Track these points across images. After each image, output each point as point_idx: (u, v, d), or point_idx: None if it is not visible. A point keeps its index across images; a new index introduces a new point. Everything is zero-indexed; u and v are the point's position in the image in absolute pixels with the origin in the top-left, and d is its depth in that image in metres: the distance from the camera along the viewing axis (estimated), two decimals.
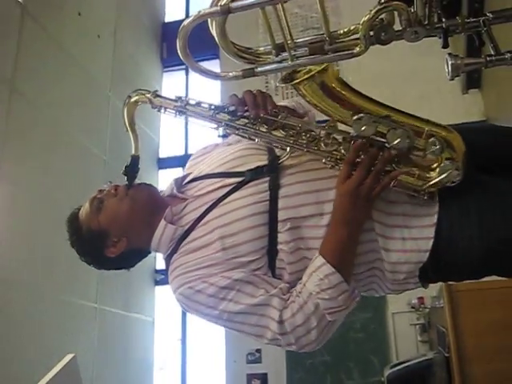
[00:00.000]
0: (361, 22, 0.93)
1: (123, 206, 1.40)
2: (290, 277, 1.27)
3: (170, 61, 6.06)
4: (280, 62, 1.00)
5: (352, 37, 0.98)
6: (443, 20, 0.90)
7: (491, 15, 0.90)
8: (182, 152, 5.78)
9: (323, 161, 1.20)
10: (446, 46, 0.90)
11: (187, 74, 6.04)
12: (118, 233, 1.40)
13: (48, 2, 4.14)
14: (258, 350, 4.68)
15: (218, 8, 0.89)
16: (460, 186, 1.17)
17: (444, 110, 4.94)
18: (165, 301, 5.25)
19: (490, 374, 2.83)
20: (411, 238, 1.22)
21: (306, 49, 0.99)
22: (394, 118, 1.12)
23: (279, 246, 1.25)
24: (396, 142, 1.10)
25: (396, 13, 0.93)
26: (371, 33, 0.94)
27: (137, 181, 1.43)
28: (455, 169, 1.12)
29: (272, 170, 1.28)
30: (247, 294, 1.23)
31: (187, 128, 5.86)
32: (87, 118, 4.47)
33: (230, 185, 1.31)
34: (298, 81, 1.07)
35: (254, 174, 1.30)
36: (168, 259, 1.38)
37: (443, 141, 1.10)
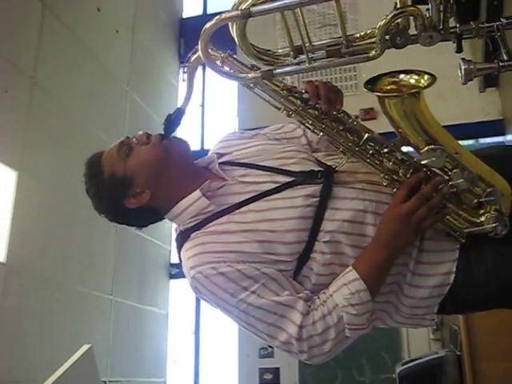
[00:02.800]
0: (377, 27, 0.95)
1: (156, 154, 1.30)
2: (313, 287, 1.24)
3: (187, 56, 6.07)
4: (298, 64, 1.03)
5: (368, 40, 1.01)
6: (457, 25, 0.93)
7: (505, 21, 0.92)
8: (198, 147, 5.82)
9: (381, 175, 1.18)
10: (459, 50, 0.93)
11: (204, 69, 6.07)
12: (143, 183, 1.30)
13: None
14: (271, 345, 4.69)
15: (239, 12, 0.92)
16: None
17: (460, 109, 4.92)
18: (179, 294, 5.31)
19: (501, 372, 2.84)
20: (435, 274, 1.23)
21: (324, 51, 1.02)
22: (463, 159, 1.14)
23: (313, 255, 1.22)
24: (459, 181, 1.12)
25: (411, 18, 0.96)
26: (387, 37, 0.96)
27: None
28: (504, 224, 1.14)
29: (327, 178, 1.26)
30: (271, 291, 1.18)
31: (203, 124, 5.90)
32: (105, 111, 4.53)
33: (279, 182, 1.27)
34: (385, 94, 1.09)
35: (308, 176, 1.26)
36: (186, 233, 1.30)
37: (500, 194, 1.13)
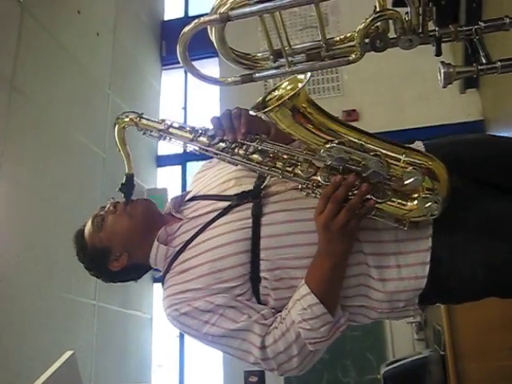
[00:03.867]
0: (356, 30, 0.95)
1: (121, 222, 1.44)
2: (276, 303, 1.27)
3: (169, 59, 6.07)
4: (278, 67, 1.02)
5: (348, 44, 1.00)
6: (436, 29, 0.93)
7: (483, 24, 0.93)
8: (180, 150, 5.79)
9: (299, 187, 1.17)
10: (438, 54, 0.93)
11: (186, 72, 6.05)
12: (118, 248, 1.44)
13: (47, 0, 4.16)
14: None
15: (218, 16, 0.91)
16: (460, 208, 1.16)
17: (442, 110, 4.97)
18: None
19: (484, 372, 2.87)
20: (406, 264, 1.20)
21: (304, 55, 1.01)
22: (368, 146, 1.08)
23: (262, 274, 1.25)
24: (369, 171, 1.07)
25: (391, 21, 0.96)
26: (366, 40, 0.96)
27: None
28: (434, 202, 1.07)
29: (255, 196, 1.28)
30: (229, 319, 1.25)
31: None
32: (86, 115, 4.49)
33: (219, 209, 1.32)
34: (268, 109, 1.05)
35: (240, 198, 1.30)
36: (163, 277, 1.41)
37: (422, 171, 1.06)
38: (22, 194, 3.57)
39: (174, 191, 5.41)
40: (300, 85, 1.07)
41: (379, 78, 5.07)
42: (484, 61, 0.90)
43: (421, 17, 0.94)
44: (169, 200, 1.52)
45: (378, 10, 0.92)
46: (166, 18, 6.46)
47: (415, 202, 1.09)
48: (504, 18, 0.92)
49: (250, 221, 1.26)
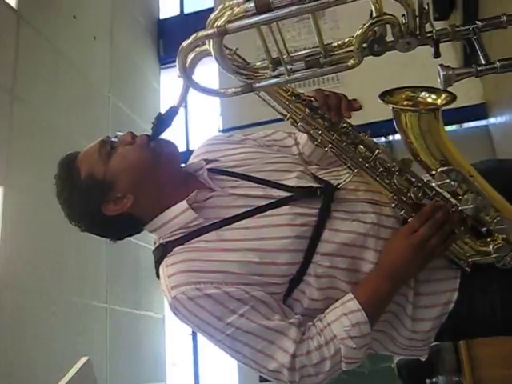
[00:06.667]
0: (354, 36, 0.95)
1: (142, 156, 1.19)
2: (304, 311, 1.16)
3: (166, 58, 6.06)
4: (277, 76, 1.02)
5: (346, 49, 1.00)
6: (433, 30, 0.93)
7: (480, 23, 0.93)
8: (183, 148, 5.80)
9: (390, 195, 1.14)
10: (437, 56, 0.93)
11: None
12: (125, 187, 1.19)
13: (43, 6, 4.16)
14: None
15: (215, 30, 0.91)
16: None
17: None
18: None
19: (498, 357, 2.87)
20: (436, 304, 1.18)
21: (302, 63, 1.01)
22: (475, 183, 1.09)
23: (306, 278, 1.14)
24: (469, 207, 1.08)
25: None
26: (364, 45, 0.96)
27: None
28: (510, 253, 1.10)
29: (327, 196, 1.18)
30: (261, 314, 1.10)
31: (187, 125, 5.87)
32: (88, 120, 4.50)
33: (273, 197, 1.19)
34: (402, 107, 1.07)
35: (307, 193, 1.18)
36: (167, 246, 1.19)
37: (510, 223, 1.09)
38: (28, 201, 3.59)
39: None
40: (441, 101, 1.08)
41: (378, 66, 4.99)
42: (483, 61, 0.89)
43: (418, 18, 0.94)
44: (191, 160, 1.33)
45: (374, 15, 0.92)
46: (162, 16, 6.44)
47: (490, 247, 1.11)
48: (501, 16, 0.92)
49: (314, 220, 1.16)
